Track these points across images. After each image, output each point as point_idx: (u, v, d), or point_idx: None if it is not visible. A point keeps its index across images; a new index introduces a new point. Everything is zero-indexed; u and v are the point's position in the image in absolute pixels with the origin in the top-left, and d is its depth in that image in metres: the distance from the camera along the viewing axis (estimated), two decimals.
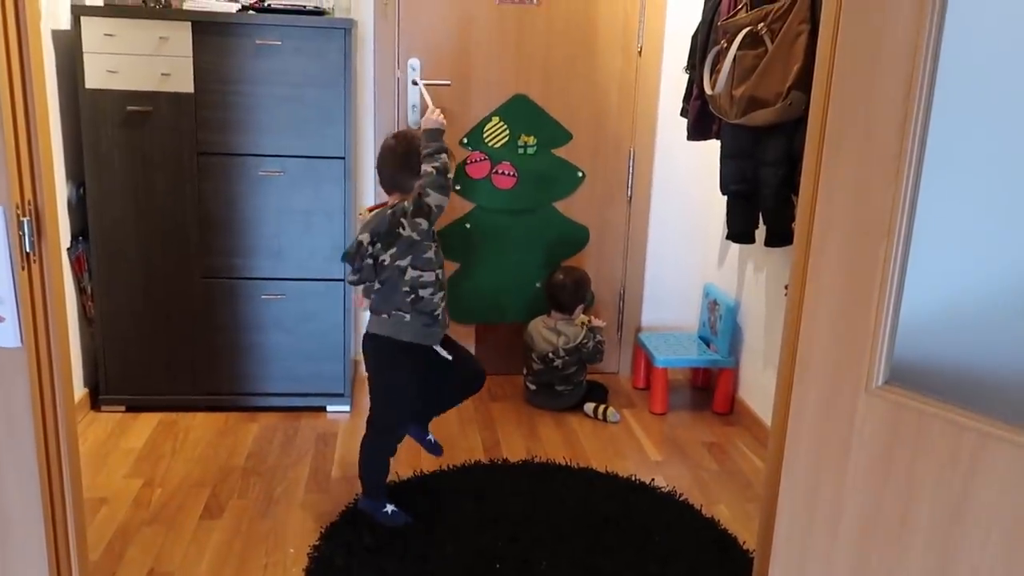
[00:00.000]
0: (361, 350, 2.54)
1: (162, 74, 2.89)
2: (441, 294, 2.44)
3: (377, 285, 2.41)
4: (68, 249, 2.98)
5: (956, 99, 1.20)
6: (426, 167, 2.33)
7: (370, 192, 3.48)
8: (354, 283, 2.47)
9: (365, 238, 2.34)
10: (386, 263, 2.34)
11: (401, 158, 2.40)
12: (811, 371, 1.38)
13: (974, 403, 1.21)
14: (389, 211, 2.34)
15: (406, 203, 2.33)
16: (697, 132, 3.05)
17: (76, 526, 1.73)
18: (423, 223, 2.31)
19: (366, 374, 2.52)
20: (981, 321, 1.27)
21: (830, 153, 1.31)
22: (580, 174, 3.58)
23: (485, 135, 3.48)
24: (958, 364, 1.29)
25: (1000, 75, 1.22)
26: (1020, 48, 1.20)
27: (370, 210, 2.51)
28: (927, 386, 1.26)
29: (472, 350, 3.57)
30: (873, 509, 1.33)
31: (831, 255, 1.32)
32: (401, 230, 2.31)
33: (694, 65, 3.01)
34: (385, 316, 2.41)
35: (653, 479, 2.81)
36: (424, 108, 2.65)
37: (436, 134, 2.35)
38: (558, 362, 3.32)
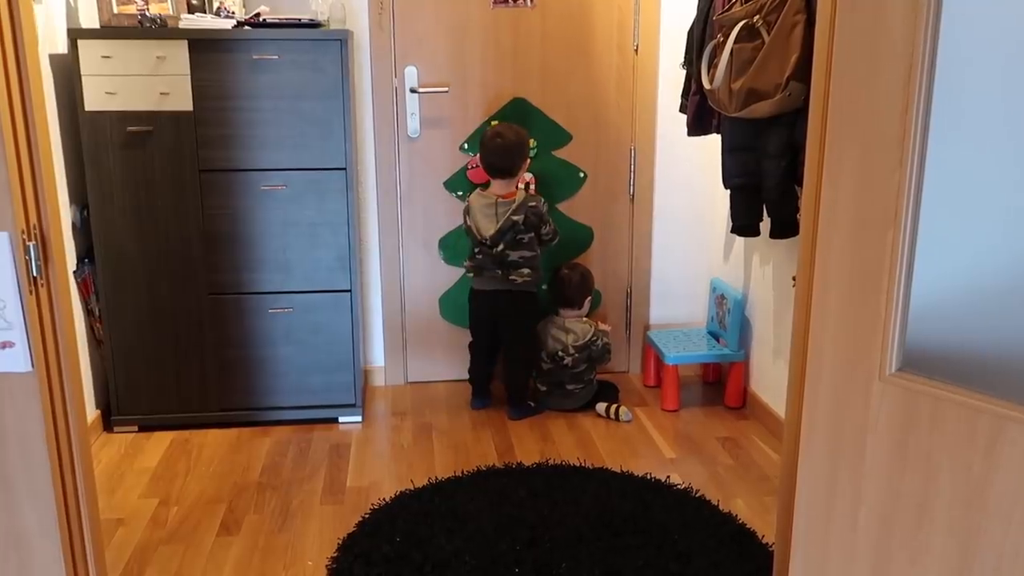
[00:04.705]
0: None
1: (161, 93, 2.90)
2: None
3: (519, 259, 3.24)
4: (74, 272, 2.99)
5: (958, 80, 1.20)
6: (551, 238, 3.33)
7: (372, 201, 3.49)
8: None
9: (519, 218, 3.17)
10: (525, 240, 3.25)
11: (516, 147, 3.19)
12: (823, 361, 1.37)
13: (990, 386, 1.20)
14: (531, 206, 3.19)
15: (543, 210, 3.24)
16: (697, 127, 3.04)
17: (94, 548, 1.73)
18: (544, 232, 3.28)
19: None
20: (995, 303, 1.26)
21: (833, 142, 1.31)
22: (582, 174, 3.58)
23: None
24: (973, 348, 1.28)
25: (1001, 54, 1.21)
26: (1020, 27, 1.19)
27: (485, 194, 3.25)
28: (942, 371, 1.25)
29: None
30: (892, 497, 1.33)
31: (838, 244, 1.32)
32: (544, 227, 3.26)
33: (691, 60, 3.01)
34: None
35: (668, 477, 2.81)
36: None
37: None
38: (568, 360, 3.32)
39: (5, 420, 1.55)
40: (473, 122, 3.47)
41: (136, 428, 3.16)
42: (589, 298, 3.46)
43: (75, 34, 2.84)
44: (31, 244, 1.51)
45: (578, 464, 2.90)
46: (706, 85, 2.71)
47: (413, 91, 3.41)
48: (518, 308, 3.29)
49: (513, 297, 3.26)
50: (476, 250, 3.26)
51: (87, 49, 2.83)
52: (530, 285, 3.27)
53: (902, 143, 1.22)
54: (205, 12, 3.06)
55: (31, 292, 1.52)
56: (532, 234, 3.22)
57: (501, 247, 3.19)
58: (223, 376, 3.16)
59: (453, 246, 3.55)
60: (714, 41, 2.68)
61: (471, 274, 3.33)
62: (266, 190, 3.02)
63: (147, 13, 2.94)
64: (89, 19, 3.04)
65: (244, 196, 3.02)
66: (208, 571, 2.32)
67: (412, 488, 2.73)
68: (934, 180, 1.22)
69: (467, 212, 3.28)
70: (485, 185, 3.31)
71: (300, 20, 3.00)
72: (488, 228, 3.19)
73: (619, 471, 2.84)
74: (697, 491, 2.70)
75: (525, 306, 3.31)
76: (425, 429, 3.22)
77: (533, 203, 3.20)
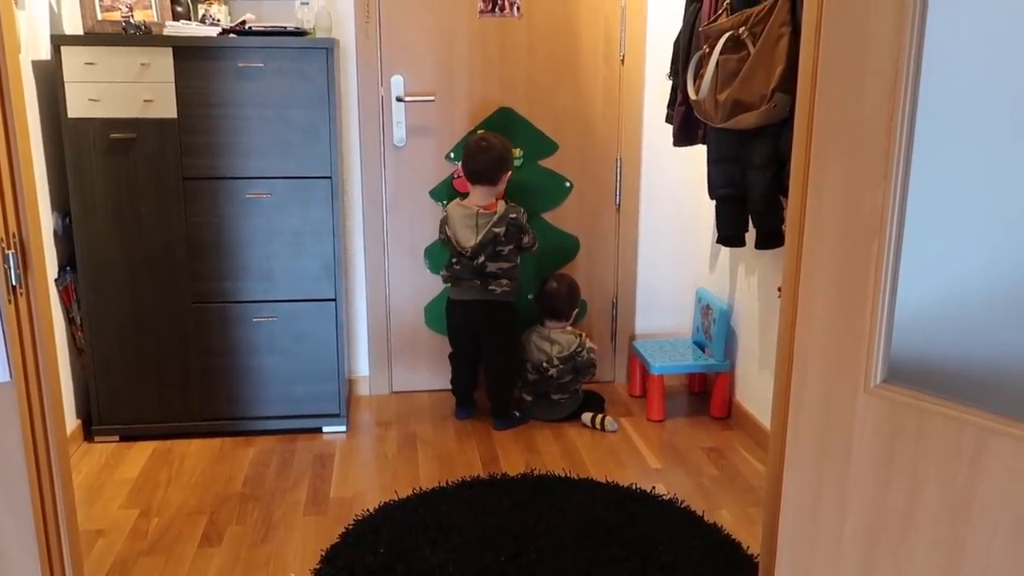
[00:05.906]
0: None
1: (144, 100, 2.88)
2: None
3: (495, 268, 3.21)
4: (56, 280, 2.96)
5: (943, 93, 1.20)
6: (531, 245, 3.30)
7: (358, 210, 3.48)
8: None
9: (500, 231, 3.17)
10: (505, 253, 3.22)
11: (500, 154, 3.18)
12: (808, 372, 1.37)
13: (975, 398, 1.20)
14: (511, 219, 3.18)
15: (524, 220, 3.22)
16: (683, 138, 3.05)
17: (72, 559, 1.71)
18: (525, 242, 3.26)
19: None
20: (979, 315, 1.26)
21: (818, 154, 1.31)
22: (568, 184, 3.58)
23: None
24: (957, 359, 1.29)
25: (985, 66, 1.22)
26: (1004, 39, 1.20)
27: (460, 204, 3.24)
28: (927, 383, 1.25)
29: None
30: (877, 509, 1.33)
31: (823, 255, 1.32)
32: (524, 236, 3.24)
33: (677, 71, 3.02)
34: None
35: (654, 487, 2.80)
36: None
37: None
38: (552, 371, 3.31)
39: None
40: (459, 131, 3.47)
41: (117, 438, 3.12)
42: (576, 311, 3.45)
43: (58, 40, 2.81)
44: (10, 253, 1.49)
45: (563, 474, 2.89)
46: (692, 96, 2.72)
47: (399, 100, 3.40)
48: (496, 318, 3.28)
49: (491, 307, 3.25)
50: (454, 260, 3.25)
51: (70, 56, 2.81)
52: (509, 295, 3.26)
53: (887, 154, 1.22)
54: (190, 19, 3.04)
55: (10, 301, 1.50)
56: (512, 245, 3.21)
57: (481, 259, 3.18)
58: (206, 385, 3.13)
59: (439, 255, 3.53)
60: (700, 52, 2.69)
61: (449, 284, 3.32)
62: (251, 198, 3.01)
63: (131, 20, 2.93)
64: (73, 26, 3.02)
65: (228, 204, 3.00)
66: None
67: (396, 499, 2.71)
68: (919, 192, 1.23)
69: (445, 222, 3.26)
70: (464, 195, 3.30)
71: (286, 28, 2.99)
72: (469, 239, 3.18)
73: (604, 481, 2.84)
74: (682, 502, 2.70)
75: (503, 316, 3.29)
76: (410, 439, 3.20)
77: (514, 215, 3.19)
